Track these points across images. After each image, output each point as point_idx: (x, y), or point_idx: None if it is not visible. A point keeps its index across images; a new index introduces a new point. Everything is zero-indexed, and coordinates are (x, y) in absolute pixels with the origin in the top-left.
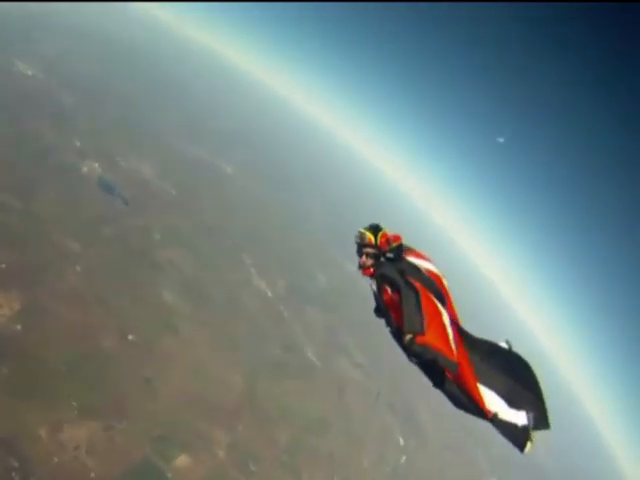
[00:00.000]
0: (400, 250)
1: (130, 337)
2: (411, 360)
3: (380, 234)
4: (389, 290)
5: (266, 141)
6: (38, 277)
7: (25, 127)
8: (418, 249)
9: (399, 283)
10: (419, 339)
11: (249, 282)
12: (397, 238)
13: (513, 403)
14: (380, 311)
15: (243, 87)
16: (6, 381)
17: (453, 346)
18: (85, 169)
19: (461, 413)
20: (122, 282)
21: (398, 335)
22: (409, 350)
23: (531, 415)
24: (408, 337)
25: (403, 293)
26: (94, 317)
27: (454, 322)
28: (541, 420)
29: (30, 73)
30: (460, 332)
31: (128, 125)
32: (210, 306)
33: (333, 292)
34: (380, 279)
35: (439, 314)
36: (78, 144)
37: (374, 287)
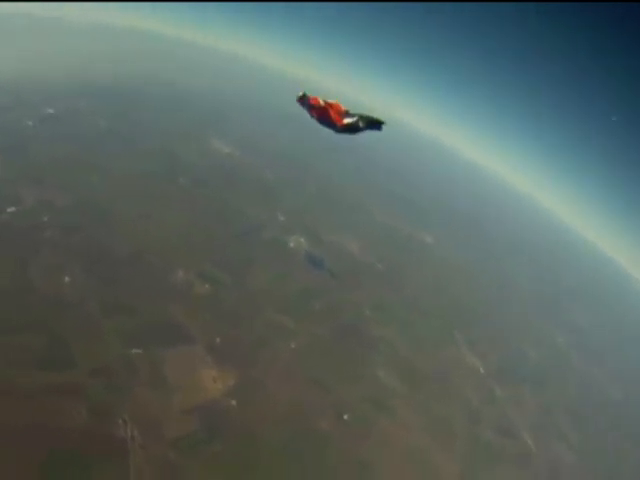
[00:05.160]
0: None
1: (345, 417)
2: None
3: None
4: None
5: (461, 207)
6: (252, 352)
7: (231, 203)
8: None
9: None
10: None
11: (461, 359)
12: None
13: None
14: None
15: (431, 153)
16: (219, 458)
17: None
18: (292, 244)
19: None
20: (336, 359)
21: (324, 122)
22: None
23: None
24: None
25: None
26: (309, 395)
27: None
28: (380, 123)
29: (227, 151)
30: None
31: (326, 199)
32: (424, 386)
33: (544, 368)
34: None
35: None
36: (282, 219)
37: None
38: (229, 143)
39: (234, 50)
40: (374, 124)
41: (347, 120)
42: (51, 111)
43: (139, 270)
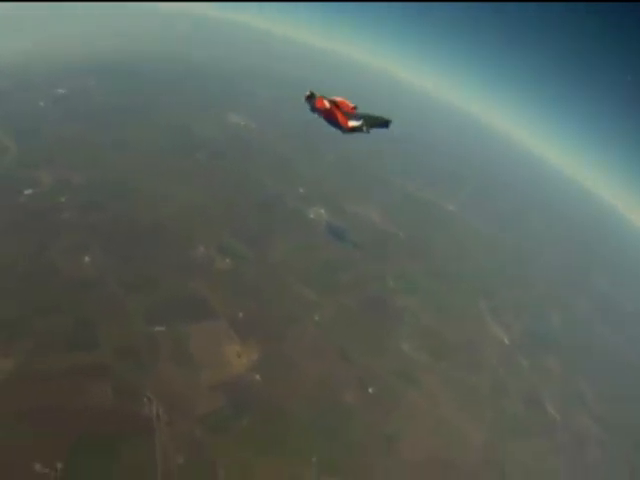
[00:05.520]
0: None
1: (370, 390)
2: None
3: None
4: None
5: (484, 175)
6: (275, 326)
7: (250, 176)
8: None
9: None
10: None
11: (486, 329)
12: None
13: (364, 119)
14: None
15: (454, 122)
16: (246, 433)
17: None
18: (312, 215)
19: None
20: (360, 331)
21: (331, 123)
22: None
23: (368, 119)
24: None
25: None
26: (333, 368)
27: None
28: (387, 122)
29: (243, 123)
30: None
31: (345, 169)
32: (449, 356)
33: (568, 336)
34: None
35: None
36: (301, 190)
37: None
38: (246, 116)
39: (253, 23)
40: (381, 124)
41: (353, 123)
42: (62, 91)
43: (159, 247)
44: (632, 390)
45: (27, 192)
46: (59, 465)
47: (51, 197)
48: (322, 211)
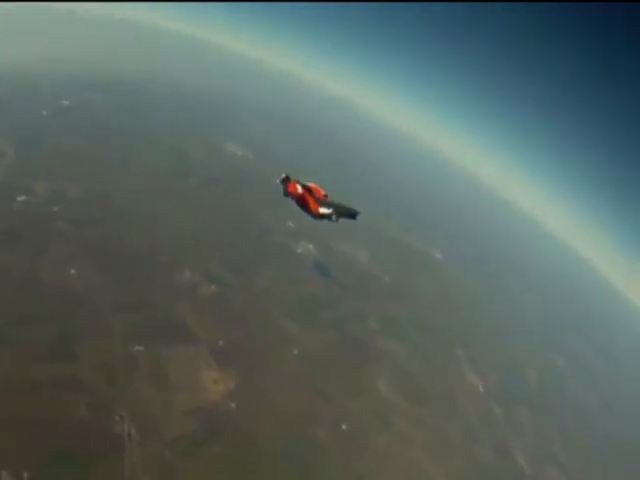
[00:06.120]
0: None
1: (344, 427)
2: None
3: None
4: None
5: (468, 224)
6: (254, 356)
7: (242, 206)
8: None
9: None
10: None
11: (462, 377)
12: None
13: (334, 208)
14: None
15: (438, 168)
16: (217, 460)
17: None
18: (300, 250)
19: None
20: (338, 369)
21: (302, 207)
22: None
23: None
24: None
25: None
26: (309, 403)
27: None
28: (355, 214)
29: (240, 154)
30: (320, 199)
31: None
32: (424, 401)
33: (543, 391)
34: (287, 182)
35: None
36: (292, 225)
37: (285, 190)
38: (243, 146)
39: (249, 52)
40: (349, 214)
41: (323, 210)
42: (66, 103)
43: (146, 267)
44: (599, 447)
45: (20, 199)
46: (26, 475)
47: (44, 206)
48: (310, 247)
